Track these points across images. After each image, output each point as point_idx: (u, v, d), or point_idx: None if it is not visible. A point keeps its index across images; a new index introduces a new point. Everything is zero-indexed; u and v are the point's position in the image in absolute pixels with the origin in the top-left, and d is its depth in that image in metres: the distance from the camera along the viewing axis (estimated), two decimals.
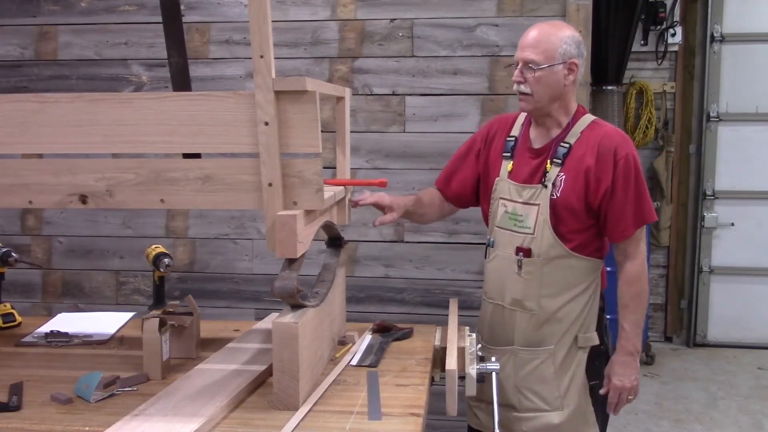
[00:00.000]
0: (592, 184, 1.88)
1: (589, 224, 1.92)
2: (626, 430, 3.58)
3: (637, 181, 1.89)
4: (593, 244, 1.95)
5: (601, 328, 2.00)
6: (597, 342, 1.97)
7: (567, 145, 1.91)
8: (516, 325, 1.97)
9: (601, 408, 2.00)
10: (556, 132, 1.96)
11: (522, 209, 1.95)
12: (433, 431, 2.62)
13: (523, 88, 1.90)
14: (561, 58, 1.87)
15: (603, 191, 1.88)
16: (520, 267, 1.93)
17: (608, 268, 2.00)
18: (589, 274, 1.95)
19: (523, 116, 2.06)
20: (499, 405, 1.75)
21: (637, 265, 1.93)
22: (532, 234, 1.92)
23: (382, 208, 2.07)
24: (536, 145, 1.98)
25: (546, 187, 1.91)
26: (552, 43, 1.87)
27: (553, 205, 1.90)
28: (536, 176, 1.94)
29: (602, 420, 2.01)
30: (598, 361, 1.98)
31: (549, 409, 1.94)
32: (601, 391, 1.97)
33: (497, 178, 2.02)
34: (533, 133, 2.00)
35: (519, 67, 1.90)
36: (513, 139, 2.03)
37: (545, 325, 1.94)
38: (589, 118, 1.96)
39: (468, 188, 2.14)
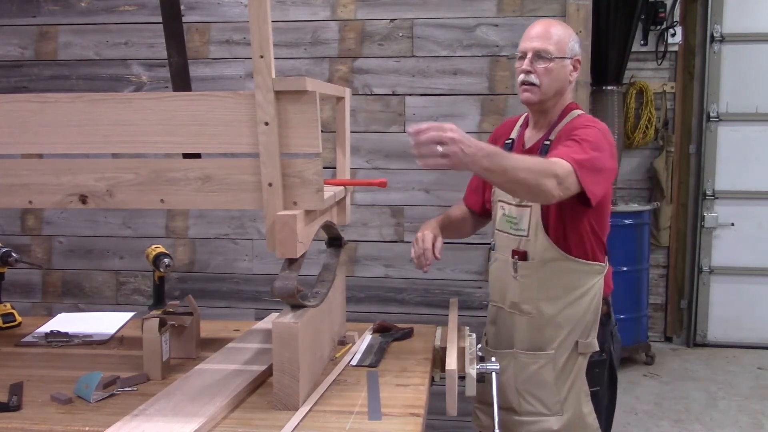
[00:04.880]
0: None
1: (578, 221, 1.86)
2: (626, 430, 3.58)
3: (583, 136, 1.77)
4: (588, 244, 1.90)
5: (605, 334, 1.96)
6: (597, 348, 1.93)
7: (548, 143, 1.91)
8: (516, 328, 1.96)
9: (605, 415, 1.98)
10: (545, 131, 1.95)
11: (516, 211, 1.94)
12: (433, 431, 2.62)
13: (532, 78, 1.87)
14: (570, 53, 1.89)
15: None
16: (515, 270, 1.93)
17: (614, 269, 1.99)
18: (590, 278, 1.91)
19: (522, 119, 2.05)
20: (499, 406, 1.74)
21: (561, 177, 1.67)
22: (527, 236, 1.91)
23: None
24: (528, 145, 1.97)
25: None
26: (562, 37, 1.88)
27: (543, 205, 1.87)
28: None
29: (605, 428, 2.00)
30: (598, 368, 1.95)
31: (549, 413, 1.92)
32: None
33: None
34: (528, 133, 2.00)
35: (529, 57, 1.87)
36: (510, 141, 2.02)
37: (545, 330, 1.92)
38: (575, 113, 1.94)
39: (483, 195, 2.13)
